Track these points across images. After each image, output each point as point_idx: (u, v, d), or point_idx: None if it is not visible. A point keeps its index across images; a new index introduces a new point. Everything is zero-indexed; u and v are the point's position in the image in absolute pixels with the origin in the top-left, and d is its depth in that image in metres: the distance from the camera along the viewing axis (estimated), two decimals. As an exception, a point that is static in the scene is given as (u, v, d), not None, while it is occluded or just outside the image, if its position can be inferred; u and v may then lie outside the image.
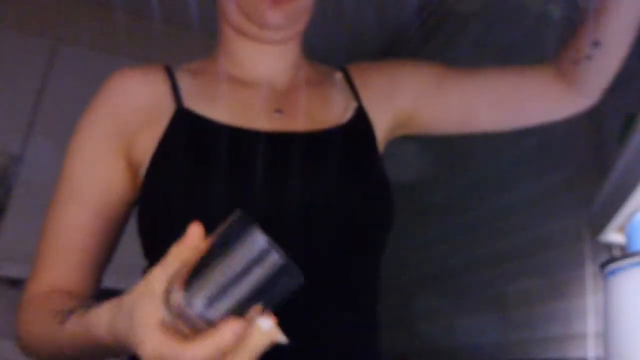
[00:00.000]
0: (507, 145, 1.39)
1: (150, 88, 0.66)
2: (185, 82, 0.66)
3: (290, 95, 0.68)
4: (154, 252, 0.61)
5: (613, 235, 1.01)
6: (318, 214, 0.59)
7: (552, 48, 1.32)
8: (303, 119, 0.65)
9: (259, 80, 0.68)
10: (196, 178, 0.57)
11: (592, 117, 1.17)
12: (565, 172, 1.24)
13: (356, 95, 0.71)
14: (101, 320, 0.45)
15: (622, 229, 0.76)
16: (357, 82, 0.73)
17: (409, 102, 0.72)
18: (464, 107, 0.72)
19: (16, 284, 1.97)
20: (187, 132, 0.62)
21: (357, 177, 0.63)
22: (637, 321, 0.51)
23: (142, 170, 0.62)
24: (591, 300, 1.09)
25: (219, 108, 0.63)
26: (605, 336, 0.55)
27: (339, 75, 0.74)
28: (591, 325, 1.08)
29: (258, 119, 0.64)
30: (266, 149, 0.60)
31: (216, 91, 0.66)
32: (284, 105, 0.66)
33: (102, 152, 0.64)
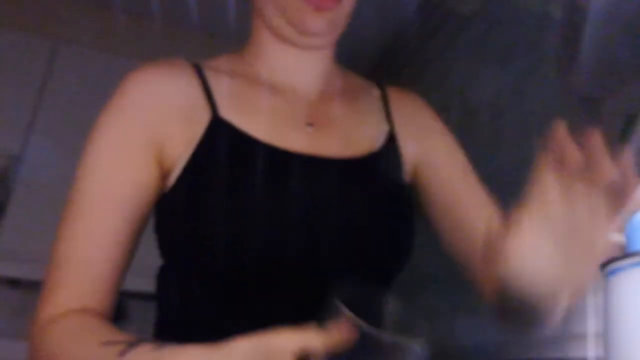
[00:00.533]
0: (507, 145, 1.39)
1: (181, 87, 0.63)
2: (217, 85, 0.64)
3: (323, 107, 0.67)
4: (175, 259, 0.61)
5: (613, 235, 1.01)
6: (342, 244, 0.58)
7: (552, 48, 1.32)
8: (335, 138, 0.64)
9: (292, 86, 0.66)
10: (230, 199, 0.56)
11: (592, 117, 1.17)
12: (565, 172, 1.24)
13: (389, 118, 0.70)
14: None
15: (621, 229, 0.76)
16: (393, 105, 0.72)
17: (428, 159, 0.71)
18: (439, 216, 0.70)
19: (16, 284, 1.97)
20: (223, 146, 0.60)
21: (384, 210, 0.62)
22: (637, 321, 0.51)
23: (173, 177, 0.60)
24: (591, 301, 1.09)
25: (254, 120, 0.62)
26: (605, 336, 0.55)
27: (376, 92, 0.73)
28: (591, 325, 1.08)
29: (292, 134, 0.62)
30: (299, 173, 0.59)
31: (250, 99, 0.64)
32: (316, 117, 0.65)
33: (131, 152, 0.60)
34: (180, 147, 0.60)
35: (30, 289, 2.00)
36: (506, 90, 1.52)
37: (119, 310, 1.89)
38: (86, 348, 0.49)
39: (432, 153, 0.71)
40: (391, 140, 0.68)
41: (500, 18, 1.62)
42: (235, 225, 0.55)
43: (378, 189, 0.63)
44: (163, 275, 0.66)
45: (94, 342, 0.49)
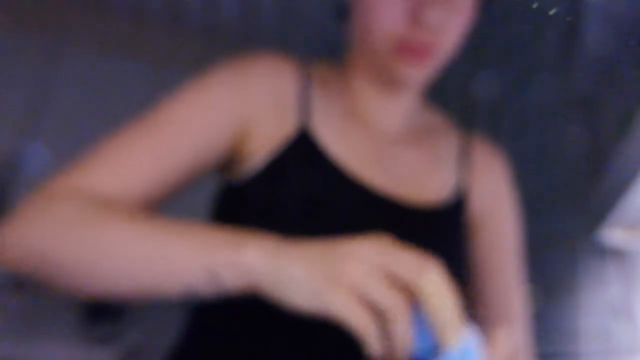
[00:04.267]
0: (506, 146, 1.39)
1: (283, 82, 0.62)
2: (315, 93, 0.62)
3: (400, 148, 0.65)
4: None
5: (611, 234, 1.01)
6: None
7: (552, 48, 1.33)
8: (406, 182, 0.63)
9: (374, 123, 0.65)
10: (299, 222, 0.56)
11: (591, 117, 1.18)
12: (563, 171, 1.25)
13: (464, 169, 0.68)
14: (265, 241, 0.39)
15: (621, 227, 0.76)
16: (472, 156, 0.70)
17: (487, 223, 0.69)
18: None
19: (19, 284, 1.97)
20: (304, 161, 0.58)
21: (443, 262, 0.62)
22: None
23: (248, 172, 0.58)
24: (589, 299, 1.09)
25: (338, 142, 0.61)
26: None
27: (456, 137, 0.70)
28: (587, 323, 1.08)
29: (366, 168, 0.61)
30: (367, 214, 0.59)
31: (339, 120, 0.63)
32: (391, 158, 0.64)
33: (224, 111, 0.57)
34: (263, 143, 0.59)
35: (30, 288, 2.00)
36: (506, 90, 1.53)
37: (119, 310, 1.87)
38: (93, 214, 0.43)
39: (494, 220, 0.69)
40: (462, 195, 0.66)
41: (500, 18, 1.62)
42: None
43: (438, 243, 0.62)
44: None
45: (111, 210, 0.43)
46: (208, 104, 0.58)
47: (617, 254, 1.06)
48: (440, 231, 0.63)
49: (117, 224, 0.42)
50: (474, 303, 0.68)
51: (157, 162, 0.51)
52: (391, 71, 0.58)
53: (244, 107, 0.59)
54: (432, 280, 0.35)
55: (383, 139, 0.64)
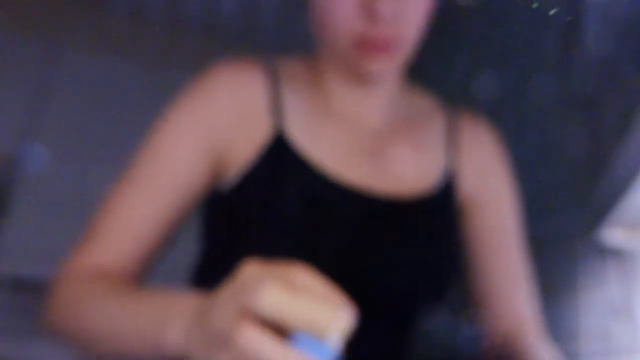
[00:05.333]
0: (506, 145, 1.39)
1: (254, 91, 0.61)
2: (287, 96, 0.62)
3: (382, 140, 0.64)
4: (217, 256, 0.61)
5: (612, 235, 1.01)
6: (379, 282, 0.58)
7: (552, 48, 1.33)
8: (391, 175, 0.62)
9: (352, 119, 0.64)
10: (278, 224, 0.56)
11: (591, 117, 1.18)
12: (563, 171, 1.24)
13: (453, 151, 0.67)
14: (187, 299, 0.39)
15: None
16: (460, 135, 0.68)
17: (482, 202, 0.68)
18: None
19: (16, 283, 1.97)
20: (282, 165, 0.58)
21: (430, 255, 0.61)
22: None
23: (231, 181, 0.59)
24: (589, 300, 1.09)
25: (315, 143, 0.60)
26: None
27: (443, 119, 0.69)
28: (587, 323, 1.08)
29: (348, 166, 0.60)
30: (351, 210, 0.58)
31: (315, 120, 0.62)
32: (374, 152, 0.63)
33: (194, 145, 0.59)
34: (242, 154, 0.59)
35: (30, 288, 2.00)
36: (506, 90, 1.52)
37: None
38: (105, 291, 0.49)
39: (488, 199, 0.68)
40: (451, 179, 0.65)
41: (500, 18, 1.62)
42: (279, 250, 0.56)
43: (426, 233, 0.61)
44: (203, 269, 0.67)
45: (114, 285, 0.50)
46: (180, 144, 0.59)
47: (617, 254, 1.06)
48: (427, 221, 0.62)
49: (96, 304, 0.49)
50: (469, 287, 0.68)
51: (147, 223, 0.57)
52: (355, 67, 0.58)
53: (215, 133, 0.60)
54: (268, 299, 0.31)
55: (364, 133, 0.63)
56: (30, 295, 2.00)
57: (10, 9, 2.23)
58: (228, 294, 0.34)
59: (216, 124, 0.60)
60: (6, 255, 1.78)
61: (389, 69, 0.58)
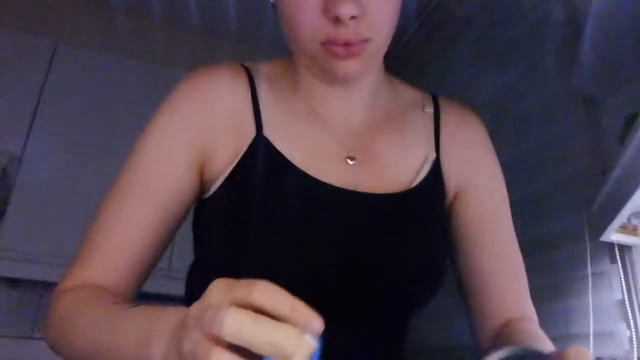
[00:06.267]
0: (507, 146, 1.39)
1: (233, 100, 0.62)
2: (266, 100, 0.63)
3: (366, 138, 0.64)
4: (207, 260, 0.61)
5: (614, 235, 1.01)
6: (370, 279, 0.58)
7: (552, 48, 1.32)
8: (375, 172, 0.62)
9: (332, 118, 0.64)
10: (263, 223, 0.56)
11: (592, 117, 1.18)
12: (565, 172, 1.24)
13: (438, 142, 0.67)
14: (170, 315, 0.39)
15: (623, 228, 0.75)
16: (445, 125, 0.68)
17: (469, 190, 0.68)
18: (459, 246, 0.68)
19: (16, 284, 1.97)
20: (262, 166, 0.59)
21: (416, 246, 0.61)
22: None
23: (214, 187, 0.60)
24: (592, 300, 1.09)
25: (295, 145, 0.61)
26: None
27: (427, 110, 0.69)
28: (591, 325, 1.08)
29: (330, 166, 0.61)
30: (332, 205, 0.58)
31: (295, 122, 0.62)
32: (357, 150, 0.63)
33: (178, 154, 0.60)
34: (224, 160, 0.60)
35: (29, 288, 2.00)
36: (506, 90, 1.53)
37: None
38: (91, 307, 0.51)
39: (475, 185, 0.68)
40: (436, 169, 0.65)
41: (500, 18, 1.62)
42: (265, 250, 0.55)
43: (412, 225, 0.61)
44: (193, 273, 0.67)
45: (102, 301, 0.51)
46: (166, 154, 0.60)
47: (617, 254, 1.06)
48: (411, 214, 0.62)
49: (89, 325, 0.50)
50: (461, 279, 0.67)
51: (138, 238, 0.59)
52: (327, 69, 0.58)
53: (197, 141, 0.61)
54: (229, 328, 0.31)
55: (345, 131, 0.64)
56: (29, 295, 2.00)
57: (12, 7, 2.23)
58: (195, 317, 0.34)
59: (198, 131, 0.61)
60: (6, 255, 1.78)
61: (359, 69, 0.58)
